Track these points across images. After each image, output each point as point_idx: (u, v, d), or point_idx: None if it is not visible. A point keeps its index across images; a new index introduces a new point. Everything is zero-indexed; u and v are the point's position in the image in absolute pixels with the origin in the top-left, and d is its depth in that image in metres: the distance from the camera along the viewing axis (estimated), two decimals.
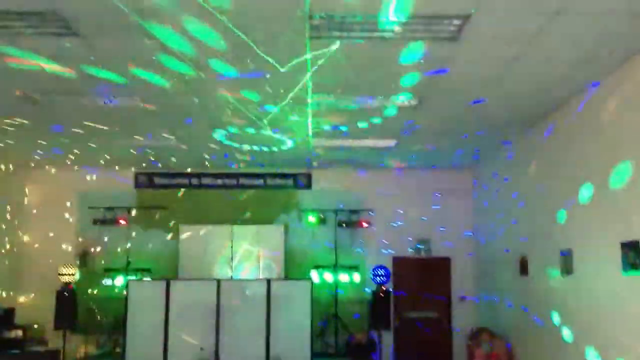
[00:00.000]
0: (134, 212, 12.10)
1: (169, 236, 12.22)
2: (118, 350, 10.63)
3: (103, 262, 12.00)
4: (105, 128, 9.00)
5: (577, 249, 7.48)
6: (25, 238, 12.17)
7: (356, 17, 5.11)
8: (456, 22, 5.19)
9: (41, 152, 10.83)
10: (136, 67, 6.40)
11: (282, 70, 6.25)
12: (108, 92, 7.27)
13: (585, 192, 7.16)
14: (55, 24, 5.13)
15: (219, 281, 10.27)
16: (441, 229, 12.28)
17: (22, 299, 11.76)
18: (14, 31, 5.31)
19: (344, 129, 9.13)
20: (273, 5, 4.85)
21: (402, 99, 7.60)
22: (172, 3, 4.80)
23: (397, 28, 5.29)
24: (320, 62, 6.09)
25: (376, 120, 8.63)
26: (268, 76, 6.53)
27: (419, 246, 12.37)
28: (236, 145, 10.12)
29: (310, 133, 9.30)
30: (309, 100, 7.58)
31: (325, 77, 6.65)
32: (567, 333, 7.72)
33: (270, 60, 5.97)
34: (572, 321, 7.61)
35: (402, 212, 12.34)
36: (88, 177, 12.27)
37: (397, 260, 12.35)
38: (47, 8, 4.87)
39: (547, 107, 7.87)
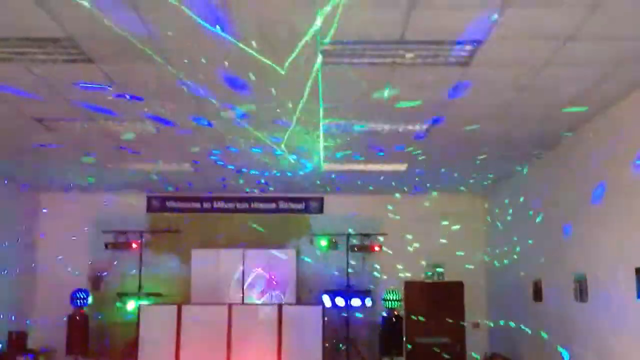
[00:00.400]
0: (146, 236, 12.12)
1: (181, 260, 12.22)
2: None
3: (115, 286, 12.00)
4: (117, 153, 9.08)
5: (591, 274, 7.40)
6: (38, 262, 12.20)
7: (367, 42, 5.15)
8: (468, 47, 5.21)
9: (55, 177, 10.92)
10: (150, 92, 6.46)
11: (293, 96, 6.30)
12: (122, 117, 7.34)
13: (599, 217, 7.11)
14: (70, 50, 5.20)
15: (230, 305, 10.26)
16: (456, 253, 12.19)
17: (34, 323, 11.75)
18: (29, 57, 5.38)
19: (355, 153, 9.14)
20: (285, 31, 4.89)
21: (413, 124, 7.61)
22: (184, 33, 4.85)
23: (408, 54, 5.31)
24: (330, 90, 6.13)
25: (388, 145, 8.63)
26: (278, 101, 6.56)
27: (431, 270, 12.29)
28: (247, 170, 10.15)
29: (321, 158, 9.31)
30: (321, 125, 7.60)
31: (337, 101, 6.67)
32: None
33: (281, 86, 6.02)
34: (587, 348, 7.50)
35: (414, 236, 12.28)
36: (101, 201, 12.32)
37: (409, 285, 12.28)
38: (63, 35, 4.93)
39: (560, 130, 7.84)
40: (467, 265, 12.20)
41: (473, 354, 11.93)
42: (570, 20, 4.71)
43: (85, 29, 4.84)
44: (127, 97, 6.53)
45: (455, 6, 4.51)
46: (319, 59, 5.38)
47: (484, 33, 4.92)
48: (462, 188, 11.77)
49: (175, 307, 10.19)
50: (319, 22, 4.64)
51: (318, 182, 11.25)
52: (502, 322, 11.25)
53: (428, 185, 11.48)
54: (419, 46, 5.18)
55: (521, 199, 10.23)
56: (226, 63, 5.48)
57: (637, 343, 6.26)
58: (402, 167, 9.96)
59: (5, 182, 10.91)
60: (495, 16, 4.60)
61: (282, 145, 8.44)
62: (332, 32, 4.87)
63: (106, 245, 11.94)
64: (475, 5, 4.49)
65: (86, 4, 4.32)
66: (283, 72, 5.42)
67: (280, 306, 10.26)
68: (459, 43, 5.15)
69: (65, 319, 11.03)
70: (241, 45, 5.02)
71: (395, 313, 11.21)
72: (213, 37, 4.88)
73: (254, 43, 5.04)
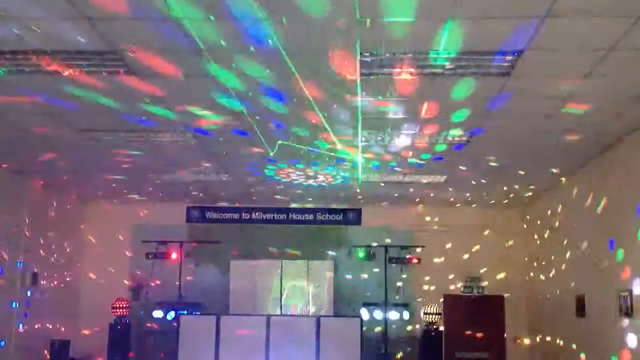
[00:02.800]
0: (186, 246, 12.24)
1: (220, 270, 12.31)
2: None
3: (155, 295, 12.14)
4: (157, 163, 9.23)
5: (636, 289, 7.21)
6: (80, 271, 12.42)
7: (406, 53, 5.13)
8: (509, 58, 5.16)
9: (96, 187, 11.14)
10: (189, 105, 6.56)
11: (332, 107, 6.32)
12: (163, 128, 7.45)
13: None
14: (114, 63, 5.31)
15: (268, 317, 10.28)
16: (494, 266, 12.02)
17: (76, 332, 11.94)
18: (76, 70, 5.51)
19: (393, 164, 9.10)
20: (324, 43, 4.91)
21: (453, 135, 7.55)
22: (226, 44, 4.91)
23: (447, 64, 5.28)
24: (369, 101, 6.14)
25: (426, 156, 8.58)
26: (318, 113, 6.58)
27: (471, 284, 12.13)
28: (286, 180, 10.19)
29: (360, 169, 9.30)
30: (359, 137, 7.60)
31: (375, 113, 6.67)
32: None
33: (321, 96, 6.04)
34: None
35: (453, 248, 12.15)
36: (141, 212, 12.52)
37: (448, 298, 12.13)
38: (107, 48, 5.05)
39: (603, 143, 7.69)
40: (507, 279, 12.01)
41: None
42: (612, 32, 4.64)
43: (128, 41, 4.94)
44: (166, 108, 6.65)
45: (496, 16, 4.47)
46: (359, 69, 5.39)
47: (524, 43, 4.86)
48: (502, 200, 11.60)
49: (214, 317, 10.25)
50: (359, 32, 4.65)
51: (358, 194, 11.23)
52: (543, 338, 11.03)
53: (467, 196, 11.35)
54: (459, 56, 5.14)
55: (563, 212, 10.04)
56: (267, 71, 5.52)
57: None
58: (442, 179, 9.88)
59: (51, 192, 11.15)
60: (536, 26, 4.55)
61: (321, 157, 8.47)
62: (372, 43, 4.88)
63: (147, 255, 12.08)
64: (516, 15, 4.44)
65: (130, 16, 4.42)
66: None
67: (318, 318, 10.23)
68: (499, 53, 5.11)
69: (107, 327, 11.19)
70: (287, 59, 5.07)
71: (434, 327, 11.07)
72: (257, 48, 4.93)
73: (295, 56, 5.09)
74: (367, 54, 5.10)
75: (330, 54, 5.06)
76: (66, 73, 5.56)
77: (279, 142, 7.83)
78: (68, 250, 11.99)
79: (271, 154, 8.21)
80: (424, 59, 5.23)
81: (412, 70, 5.48)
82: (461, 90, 6.00)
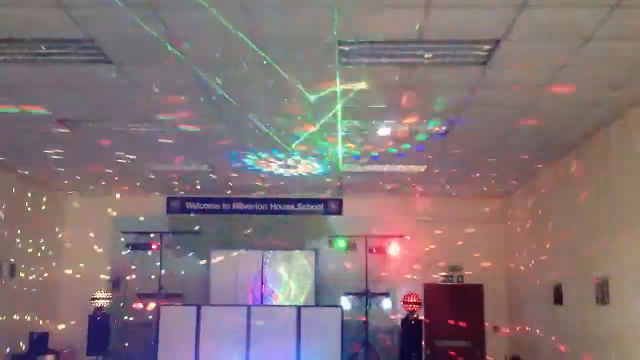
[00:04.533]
0: (166, 237, 12.18)
1: (201, 261, 12.27)
2: None
3: (135, 287, 12.07)
4: (134, 156, 9.16)
5: (613, 278, 7.29)
6: (59, 263, 12.30)
7: (386, 43, 5.13)
8: (486, 47, 5.17)
9: (74, 178, 11.03)
10: (168, 94, 6.50)
11: (311, 97, 6.29)
12: (140, 118, 7.39)
13: (625, 221, 7.01)
14: (90, 51, 5.24)
15: (249, 307, 10.29)
16: (474, 255, 12.11)
17: (55, 324, 11.84)
18: (50, 58, 5.44)
19: (374, 154, 9.11)
20: (303, 31, 4.89)
21: (432, 125, 7.57)
22: (202, 29, 4.87)
23: (427, 54, 5.28)
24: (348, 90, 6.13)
25: (406, 146, 8.59)
26: (296, 102, 6.56)
27: (451, 273, 12.20)
28: (266, 170, 10.16)
29: (340, 158, 9.29)
30: (339, 126, 7.59)
31: (355, 102, 6.65)
32: None
33: (299, 86, 6.02)
34: (609, 353, 7.39)
35: (433, 238, 12.21)
36: (121, 202, 12.41)
37: (428, 287, 12.21)
38: (83, 36, 4.98)
39: (583, 132, 7.74)
40: (486, 268, 12.11)
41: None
42: (590, 20, 4.67)
43: (106, 30, 4.89)
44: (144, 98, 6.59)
45: (473, 5, 4.48)
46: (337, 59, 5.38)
47: (501, 32, 4.88)
48: (482, 190, 11.67)
49: (194, 308, 10.23)
50: (337, 22, 4.64)
51: (339, 184, 11.23)
52: (522, 326, 11.15)
53: (448, 187, 11.40)
54: (438, 46, 5.15)
55: (542, 203, 10.13)
56: (245, 66, 5.49)
57: None
58: (421, 168, 9.91)
59: (27, 183, 11.03)
60: (514, 15, 4.57)
61: (294, 147, 8.44)
62: (350, 33, 4.87)
63: (126, 246, 12.03)
64: (493, 4, 4.46)
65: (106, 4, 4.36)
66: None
67: (299, 308, 10.26)
68: (476, 42, 5.12)
69: (86, 320, 11.13)
70: (262, 53, 5.04)
71: (415, 316, 11.14)
72: (233, 39, 4.90)
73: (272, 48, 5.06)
74: (346, 43, 5.08)
75: (308, 43, 5.04)
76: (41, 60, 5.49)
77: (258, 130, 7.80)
78: (46, 242, 11.86)
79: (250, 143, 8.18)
80: (403, 48, 5.23)
81: (390, 60, 5.48)
82: (439, 80, 6.02)
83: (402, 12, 4.59)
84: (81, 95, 6.52)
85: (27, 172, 10.49)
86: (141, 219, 12.28)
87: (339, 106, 6.76)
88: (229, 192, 12.14)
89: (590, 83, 6.06)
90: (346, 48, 5.17)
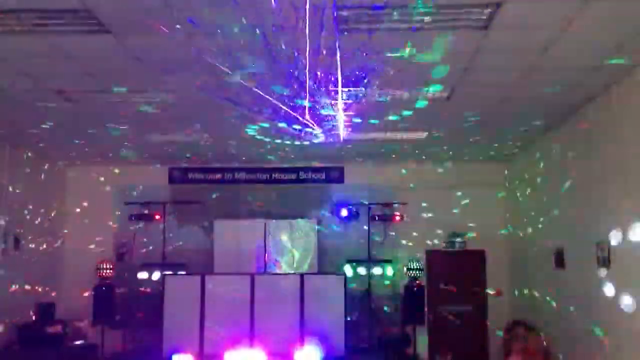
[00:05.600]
0: (168, 207, 12.23)
1: (204, 231, 12.33)
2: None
3: (139, 257, 12.16)
4: (136, 127, 9.15)
5: (613, 241, 7.33)
6: (63, 234, 12.38)
7: (385, 7, 5.09)
8: (486, 10, 5.13)
9: (77, 150, 11.04)
10: (168, 65, 6.47)
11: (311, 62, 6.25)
12: (141, 88, 7.37)
13: (627, 184, 7.02)
14: (88, 21, 5.21)
15: (252, 275, 10.37)
16: (475, 221, 12.14)
17: (61, 294, 11.95)
18: (47, 29, 5.41)
19: (374, 121, 9.09)
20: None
21: (433, 91, 7.54)
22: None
23: (427, 18, 5.24)
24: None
25: (407, 113, 8.57)
26: (296, 70, 6.52)
27: (452, 239, 12.26)
28: (268, 139, 10.15)
29: (341, 126, 9.26)
30: (340, 93, 7.56)
31: (355, 68, 6.62)
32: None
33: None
34: (611, 316, 7.46)
35: (435, 205, 12.22)
36: (123, 173, 12.44)
37: (430, 254, 12.28)
38: (81, 6, 4.95)
39: (586, 96, 7.70)
40: (488, 234, 12.15)
41: (491, 324, 11.91)
42: None
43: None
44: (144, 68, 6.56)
45: None
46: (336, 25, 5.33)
47: None
48: (482, 157, 11.66)
49: (198, 277, 10.32)
50: None
51: (340, 152, 11.20)
52: (524, 291, 11.24)
53: (451, 153, 11.38)
54: (437, 10, 5.11)
55: (542, 166, 10.13)
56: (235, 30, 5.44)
57: None
58: (422, 135, 9.90)
59: (31, 155, 11.05)
60: None
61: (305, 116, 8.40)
62: None
63: (130, 217, 12.09)
64: None
65: None
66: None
67: (302, 276, 10.34)
68: (477, 6, 5.07)
69: (92, 290, 11.25)
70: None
71: (417, 282, 11.23)
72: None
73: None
74: (345, 9, 5.04)
75: (307, 8, 4.99)
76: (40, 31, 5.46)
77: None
78: (51, 213, 11.92)
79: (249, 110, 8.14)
80: (402, 13, 5.19)
81: (390, 25, 5.43)
82: (440, 45, 5.97)
83: None
84: (80, 66, 6.49)
85: (29, 144, 10.50)
86: (144, 189, 12.31)
87: (339, 74, 6.73)
88: (231, 162, 12.14)
89: (592, 43, 6.01)
90: (345, 13, 5.13)
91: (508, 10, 5.11)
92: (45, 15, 5.13)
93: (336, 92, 7.47)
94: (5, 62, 6.34)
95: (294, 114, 8.17)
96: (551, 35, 5.72)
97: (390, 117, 8.83)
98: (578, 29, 5.53)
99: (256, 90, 7.30)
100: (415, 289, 11.21)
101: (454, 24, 5.40)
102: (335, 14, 5.09)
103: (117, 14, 5.15)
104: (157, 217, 12.13)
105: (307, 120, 8.27)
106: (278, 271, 11.78)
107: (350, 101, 7.94)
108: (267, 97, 7.52)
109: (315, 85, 7.12)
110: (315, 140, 9.69)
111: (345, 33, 5.53)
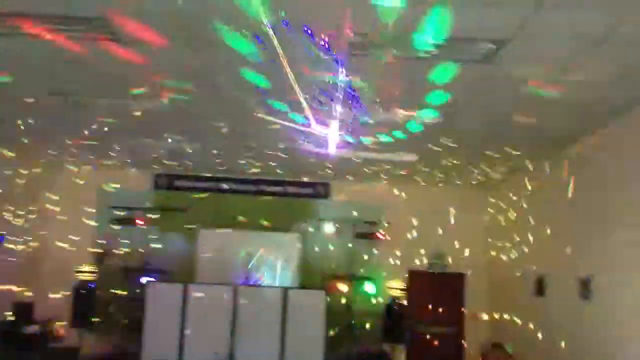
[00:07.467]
0: (152, 214, 12.18)
1: (187, 239, 12.30)
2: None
3: (120, 261, 12.09)
4: (126, 130, 9.14)
5: (598, 275, 7.48)
6: (44, 235, 12.27)
7: (392, 37, 5.20)
8: (491, 46, 5.26)
9: (63, 152, 10.96)
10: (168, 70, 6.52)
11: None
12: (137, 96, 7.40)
13: (609, 220, 7.20)
14: (101, 30, 5.25)
15: (236, 286, 10.38)
16: (458, 244, 12.29)
17: (40, 295, 11.82)
18: (59, 34, 5.44)
19: (366, 141, 9.17)
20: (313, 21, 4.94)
21: (428, 116, 7.67)
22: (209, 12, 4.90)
23: (432, 50, 5.36)
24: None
25: (400, 135, 8.67)
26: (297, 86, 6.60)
27: (435, 261, 12.38)
28: (258, 151, 10.20)
29: (333, 143, 9.31)
30: (335, 112, 7.64)
31: (353, 91, 6.71)
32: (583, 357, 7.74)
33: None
34: (590, 346, 7.61)
35: (419, 226, 12.34)
36: (109, 177, 12.37)
37: (413, 274, 12.39)
38: (95, 14, 4.99)
39: (577, 132, 7.90)
40: (469, 258, 12.30)
41: (467, 345, 12.04)
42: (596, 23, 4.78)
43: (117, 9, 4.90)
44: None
45: (484, 4, 4.56)
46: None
47: (509, 32, 4.98)
48: (470, 181, 11.82)
49: (181, 285, 10.30)
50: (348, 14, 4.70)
51: (328, 168, 11.27)
52: (501, 315, 11.38)
53: (438, 176, 11.52)
54: (444, 42, 5.23)
55: (528, 196, 10.31)
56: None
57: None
58: (413, 157, 10.02)
59: (15, 156, 10.95)
60: (521, 15, 4.66)
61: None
62: (360, 25, 4.93)
63: (113, 221, 12.03)
64: (503, 3, 4.54)
65: None
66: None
67: (285, 290, 10.37)
68: (483, 40, 5.21)
69: (71, 292, 11.15)
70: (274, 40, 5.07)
71: (398, 301, 11.32)
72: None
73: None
74: (357, 35, 5.14)
75: (320, 32, 5.08)
76: (48, 37, 5.48)
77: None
78: (33, 214, 11.80)
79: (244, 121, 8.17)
80: (410, 43, 5.30)
81: (396, 53, 5.55)
82: (441, 74, 6.10)
83: (412, 9, 4.65)
84: (81, 69, 6.50)
85: (13, 144, 10.39)
86: (128, 194, 12.25)
87: (338, 93, 6.82)
88: (217, 171, 12.15)
89: (593, 84, 6.18)
90: (358, 40, 5.23)
91: (513, 47, 5.24)
92: (56, 20, 5.15)
93: (333, 109, 7.57)
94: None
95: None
96: (553, 72, 5.86)
97: (382, 138, 8.92)
98: (580, 67, 5.68)
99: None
100: (395, 307, 11.28)
101: (458, 56, 5.52)
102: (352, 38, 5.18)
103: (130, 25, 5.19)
104: (140, 222, 12.07)
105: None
106: (260, 283, 11.78)
107: (345, 119, 8.01)
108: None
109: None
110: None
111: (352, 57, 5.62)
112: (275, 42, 5.25)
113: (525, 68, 5.81)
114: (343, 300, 11.91)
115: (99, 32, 5.35)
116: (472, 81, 6.23)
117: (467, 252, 12.26)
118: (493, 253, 12.09)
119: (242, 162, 11.17)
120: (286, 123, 8.04)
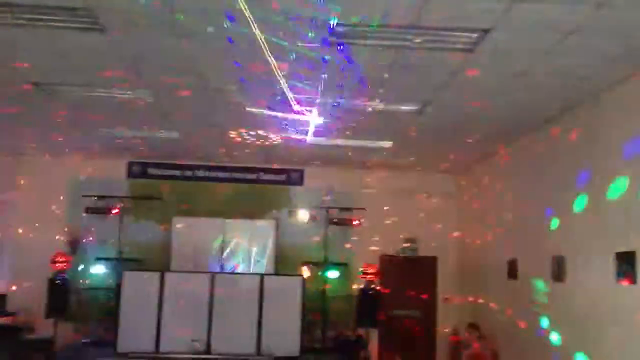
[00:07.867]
0: (126, 202, 12.10)
1: (161, 227, 12.25)
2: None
3: (94, 251, 12.00)
4: (101, 118, 9.05)
5: (569, 256, 7.72)
6: (17, 225, 12.09)
7: (377, 26, 5.27)
8: (475, 35, 5.37)
9: (34, 140, 10.80)
10: (151, 65, 6.50)
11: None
12: (118, 84, 7.34)
13: (580, 201, 7.41)
14: (84, 19, 5.20)
15: (213, 274, 10.40)
16: (431, 229, 12.51)
17: (11, 285, 11.68)
18: (40, 24, 5.37)
19: (344, 129, 9.26)
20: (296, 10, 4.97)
21: (407, 105, 7.78)
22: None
23: (417, 39, 5.45)
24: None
25: (376, 122, 8.77)
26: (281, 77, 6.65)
27: (407, 245, 12.57)
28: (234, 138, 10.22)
29: (311, 130, 9.38)
30: (318, 100, 7.71)
31: (335, 79, 6.79)
32: (555, 337, 7.98)
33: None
34: (561, 326, 7.86)
35: (392, 211, 12.53)
36: (81, 166, 12.23)
37: (385, 258, 12.56)
38: (80, 4, 4.95)
39: (547, 117, 8.10)
40: (441, 241, 12.54)
41: (440, 329, 12.32)
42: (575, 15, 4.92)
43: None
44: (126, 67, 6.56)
45: None
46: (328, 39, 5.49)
47: (491, 22, 5.09)
48: (441, 166, 12.01)
49: (158, 274, 10.28)
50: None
51: (302, 155, 11.33)
52: (473, 298, 11.65)
53: (411, 161, 11.67)
54: (430, 32, 5.32)
55: (499, 180, 10.53)
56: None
57: (612, 326, 6.61)
58: (388, 144, 10.14)
59: None
60: (504, 6, 4.77)
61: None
62: (344, 14, 4.99)
63: (86, 210, 11.92)
64: None
65: None
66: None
67: (261, 277, 10.43)
68: (467, 30, 5.32)
69: (45, 283, 11.02)
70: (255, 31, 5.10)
71: (372, 286, 11.47)
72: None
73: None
74: (341, 24, 5.20)
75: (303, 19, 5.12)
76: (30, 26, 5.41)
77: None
78: (2, 203, 11.61)
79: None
80: (394, 32, 5.38)
81: (379, 42, 5.63)
82: (422, 63, 6.20)
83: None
84: (63, 60, 6.43)
85: None
86: (101, 182, 12.14)
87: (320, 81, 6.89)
88: (192, 159, 12.12)
89: (565, 72, 6.36)
90: (341, 29, 5.29)
91: (494, 37, 5.36)
92: (39, 10, 5.09)
93: (314, 99, 7.64)
94: None
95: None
96: (530, 62, 6.01)
97: (357, 125, 9.00)
98: (557, 57, 5.84)
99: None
100: (369, 292, 11.44)
101: (442, 46, 5.63)
102: (332, 28, 5.23)
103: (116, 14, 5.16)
104: (114, 211, 11.99)
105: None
106: (235, 271, 11.82)
107: (325, 108, 8.09)
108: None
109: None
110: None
111: (340, 47, 5.68)
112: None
113: (502, 57, 5.93)
114: (318, 286, 12.01)
115: (84, 23, 5.29)
116: (452, 69, 6.33)
117: (440, 236, 12.52)
118: (466, 239, 12.33)
119: (217, 149, 11.15)
120: (266, 112, 8.15)
